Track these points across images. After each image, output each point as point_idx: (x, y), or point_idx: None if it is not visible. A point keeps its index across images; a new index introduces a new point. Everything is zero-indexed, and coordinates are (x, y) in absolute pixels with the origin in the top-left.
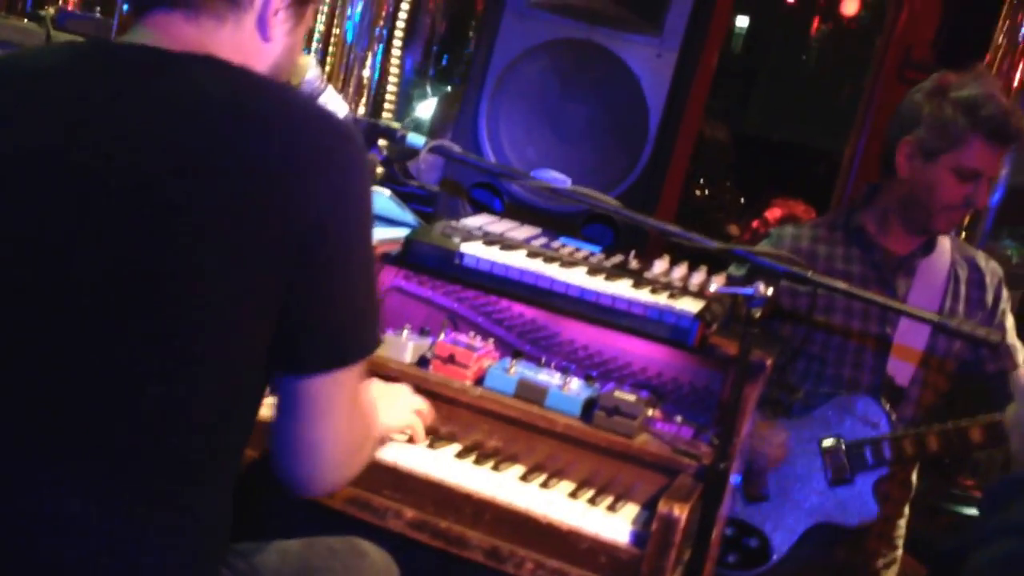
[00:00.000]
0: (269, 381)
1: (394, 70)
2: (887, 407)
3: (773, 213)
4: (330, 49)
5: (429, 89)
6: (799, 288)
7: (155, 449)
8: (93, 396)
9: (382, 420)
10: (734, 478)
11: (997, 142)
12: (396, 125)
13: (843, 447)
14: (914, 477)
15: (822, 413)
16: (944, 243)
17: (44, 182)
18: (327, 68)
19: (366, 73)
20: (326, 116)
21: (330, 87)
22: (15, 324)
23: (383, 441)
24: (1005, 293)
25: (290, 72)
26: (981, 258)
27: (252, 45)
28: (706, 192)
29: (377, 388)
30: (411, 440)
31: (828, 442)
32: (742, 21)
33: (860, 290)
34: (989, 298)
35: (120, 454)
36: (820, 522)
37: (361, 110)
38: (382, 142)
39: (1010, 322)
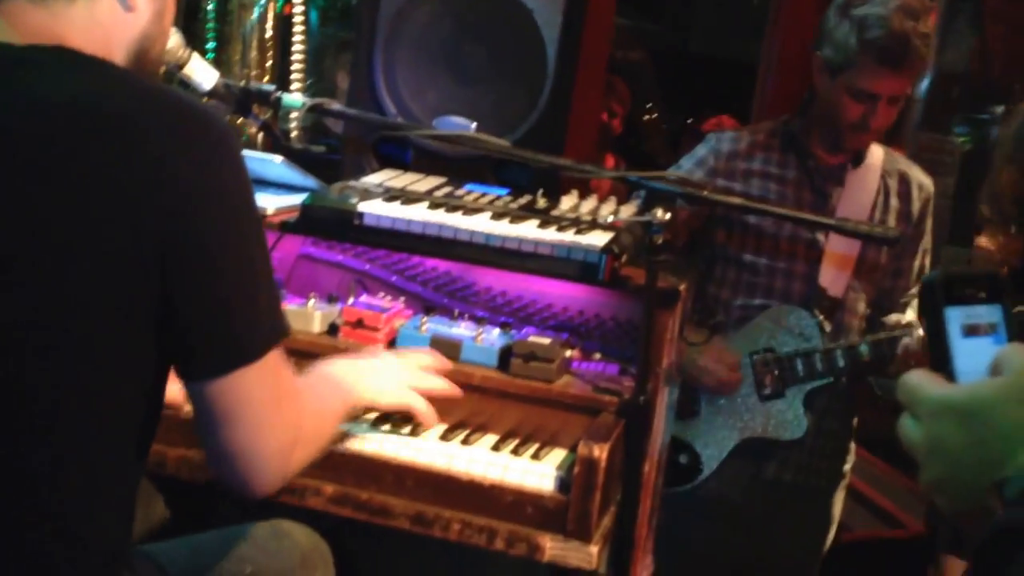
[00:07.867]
0: (160, 388)
1: (299, 26)
2: (820, 318)
3: None
4: (228, 7)
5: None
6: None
7: (16, 468)
8: None
9: (370, 400)
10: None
11: (887, 66)
12: (269, 87)
13: (774, 360)
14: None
15: (754, 325)
16: (876, 155)
17: None
18: (227, 29)
19: (268, 32)
20: (181, 106)
21: (195, 55)
22: None
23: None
24: (930, 217)
25: (164, 42)
26: (913, 172)
27: (112, 19)
28: (654, 117)
29: (353, 365)
30: (420, 425)
31: (759, 355)
32: None
33: (756, 203)
34: (915, 211)
35: None
36: (750, 437)
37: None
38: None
39: (927, 244)
